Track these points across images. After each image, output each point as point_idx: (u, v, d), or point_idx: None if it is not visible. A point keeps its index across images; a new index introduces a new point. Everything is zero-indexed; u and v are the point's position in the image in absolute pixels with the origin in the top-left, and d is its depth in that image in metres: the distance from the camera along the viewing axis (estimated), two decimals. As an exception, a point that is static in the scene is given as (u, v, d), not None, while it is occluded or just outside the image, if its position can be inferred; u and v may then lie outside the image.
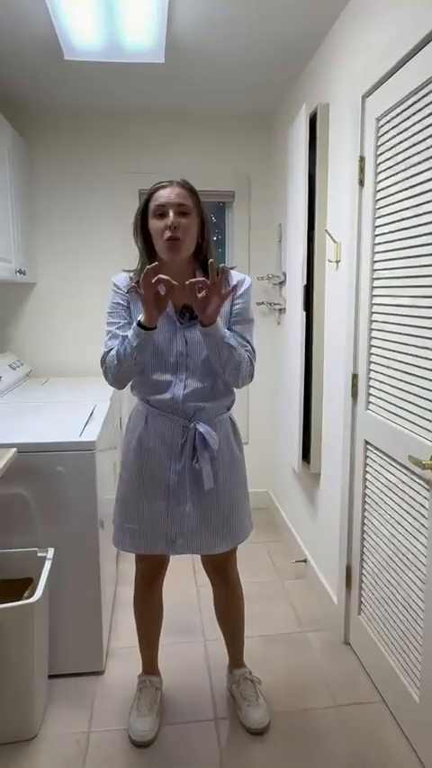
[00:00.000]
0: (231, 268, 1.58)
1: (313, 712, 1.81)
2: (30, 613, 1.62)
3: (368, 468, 1.92)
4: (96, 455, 1.86)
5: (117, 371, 1.52)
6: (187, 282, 1.37)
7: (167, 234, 1.43)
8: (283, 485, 3.17)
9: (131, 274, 1.56)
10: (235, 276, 1.58)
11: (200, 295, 1.37)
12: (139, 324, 1.44)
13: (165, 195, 1.45)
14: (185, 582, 2.64)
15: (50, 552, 1.82)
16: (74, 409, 2.29)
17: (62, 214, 3.16)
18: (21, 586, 1.83)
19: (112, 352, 1.51)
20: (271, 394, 3.43)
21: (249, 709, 1.75)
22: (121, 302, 1.57)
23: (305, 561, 2.68)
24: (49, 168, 3.11)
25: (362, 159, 1.87)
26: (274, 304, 3.19)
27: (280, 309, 3.09)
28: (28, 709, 1.69)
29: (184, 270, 1.52)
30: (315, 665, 2.06)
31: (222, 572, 1.79)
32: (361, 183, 1.88)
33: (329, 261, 2.24)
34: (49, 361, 3.26)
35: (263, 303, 3.29)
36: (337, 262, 2.14)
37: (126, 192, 3.15)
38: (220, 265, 1.37)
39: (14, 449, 1.75)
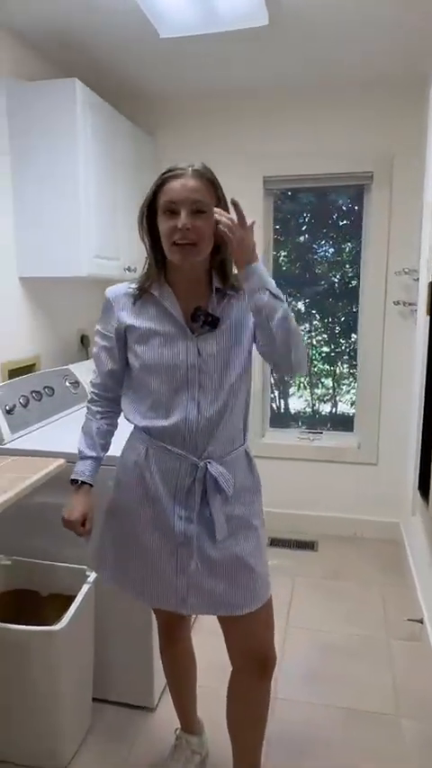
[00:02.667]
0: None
1: None
2: (52, 641, 1.50)
3: None
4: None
5: None
6: (217, 217, 1.14)
7: (178, 237, 1.17)
8: (412, 518, 2.66)
9: (131, 284, 1.31)
10: None
11: (232, 235, 1.13)
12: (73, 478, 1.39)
13: (176, 189, 1.18)
14: (275, 615, 2.34)
15: (93, 574, 1.68)
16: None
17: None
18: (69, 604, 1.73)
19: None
20: (406, 408, 2.92)
21: None
22: (108, 331, 1.33)
23: (421, 622, 2.19)
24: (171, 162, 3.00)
25: None
26: (411, 304, 2.67)
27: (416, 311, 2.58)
28: (54, 739, 1.58)
29: (196, 271, 1.27)
30: (403, 765, 1.63)
31: (266, 664, 1.36)
32: None
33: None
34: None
35: (399, 303, 2.78)
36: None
37: (251, 176, 2.90)
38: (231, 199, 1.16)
39: (63, 459, 1.65)
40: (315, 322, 3.25)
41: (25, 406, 1.97)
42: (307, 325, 3.23)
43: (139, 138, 2.75)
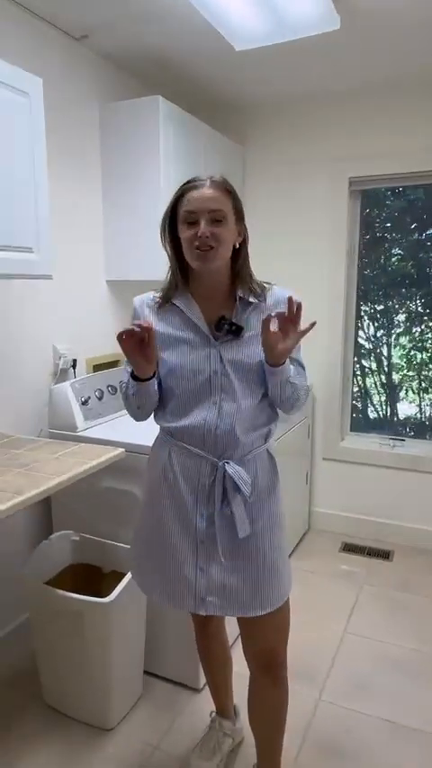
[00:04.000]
0: (271, 284, 1.36)
1: None
2: (104, 611, 1.66)
3: None
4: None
5: (128, 410, 1.40)
6: (264, 318, 1.19)
7: (198, 244, 1.23)
8: None
9: (156, 293, 1.38)
10: (279, 293, 1.34)
11: (272, 327, 1.19)
12: (132, 374, 1.29)
13: (196, 199, 1.24)
14: (335, 619, 2.33)
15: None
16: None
17: (271, 211, 3.08)
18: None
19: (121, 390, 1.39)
20: None
21: None
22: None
23: None
24: (259, 169, 3.07)
25: None
26: None
27: None
28: (103, 702, 1.75)
29: (217, 279, 1.32)
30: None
31: (272, 668, 1.41)
32: None
33: None
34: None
35: None
36: None
37: (336, 178, 2.88)
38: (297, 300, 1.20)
39: (122, 449, 1.80)
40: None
41: (100, 398, 2.17)
42: (422, 328, 3.11)
43: (226, 147, 2.84)
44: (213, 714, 1.70)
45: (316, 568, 2.75)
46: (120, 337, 1.20)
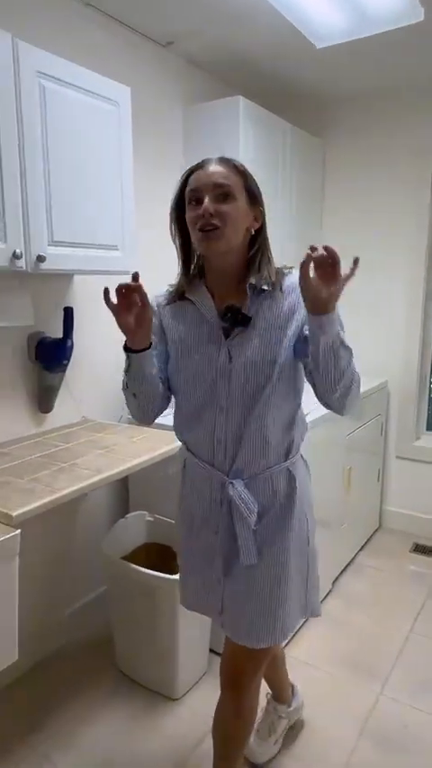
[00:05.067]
0: (290, 268, 1.21)
1: None
2: (174, 588, 1.76)
3: None
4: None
5: (130, 411, 1.30)
6: (301, 263, 0.99)
7: (202, 223, 1.09)
8: None
9: (171, 287, 1.27)
10: (294, 277, 1.14)
11: (311, 273, 0.99)
12: (125, 346, 1.17)
13: (200, 176, 1.11)
14: (401, 618, 2.32)
15: (214, 539, 1.91)
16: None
17: (350, 206, 3.06)
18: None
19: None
20: None
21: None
22: (155, 326, 1.24)
23: None
24: (339, 164, 3.05)
25: None
26: None
27: None
28: (170, 672, 1.86)
29: (228, 266, 1.18)
30: None
31: (237, 685, 1.31)
32: None
33: None
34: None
35: None
36: None
37: (419, 176, 2.82)
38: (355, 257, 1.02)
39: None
40: None
41: (176, 388, 2.28)
42: None
43: (306, 142, 2.86)
44: (269, 696, 1.76)
45: (384, 567, 2.72)
46: (107, 300, 1.07)
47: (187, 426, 1.24)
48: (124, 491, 2.36)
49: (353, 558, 2.75)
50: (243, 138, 2.36)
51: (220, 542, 1.24)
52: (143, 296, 1.09)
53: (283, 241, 2.77)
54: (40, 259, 1.55)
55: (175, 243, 1.23)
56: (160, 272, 2.47)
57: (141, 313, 1.10)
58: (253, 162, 2.43)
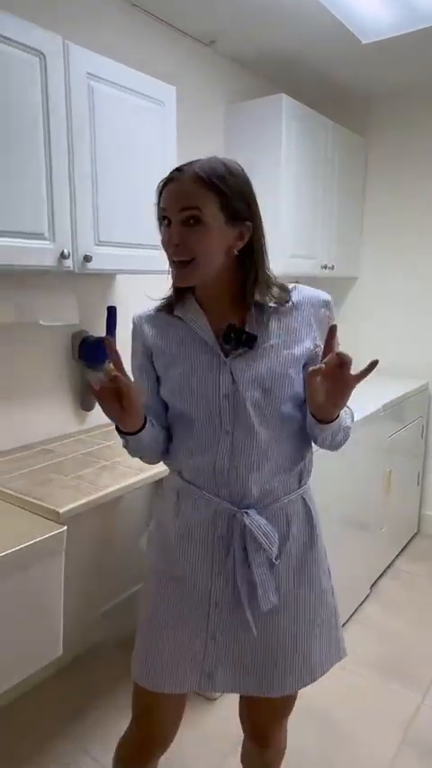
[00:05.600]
0: (296, 283, 1.10)
1: None
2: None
3: None
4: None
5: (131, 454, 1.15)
6: (308, 373, 0.94)
7: (170, 253, 1.00)
8: None
9: (157, 307, 1.13)
10: (307, 292, 1.08)
11: (318, 379, 0.94)
12: (117, 429, 1.06)
13: (168, 194, 0.98)
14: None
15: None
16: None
17: (392, 206, 3.00)
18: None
19: None
20: None
21: None
22: (140, 351, 1.13)
23: None
24: (381, 163, 3.00)
25: None
26: None
27: None
28: (208, 672, 1.86)
29: (219, 286, 1.05)
30: None
31: (265, 738, 1.23)
32: None
33: None
34: (364, 358, 3.21)
35: None
36: None
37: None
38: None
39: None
40: None
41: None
42: None
43: (346, 139, 2.81)
44: None
45: (422, 572, 2.67)
46: (94, 393, 0.97)
47: (185, 455, 1.09)
48: (160, 489, 2.37)
49: (391, 563, 2.71)
50: (285, 136, 2.34)
51: (224, 587, 1.08)
52: (123, 384, 0.97)
53: (325, 243, 2.75)
54: (87, 259, 1.57)
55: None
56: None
57: (128, 400, 0.98)
58: (295, 160, 2.42)
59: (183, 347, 1.08)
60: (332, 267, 2.82)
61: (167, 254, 1.01)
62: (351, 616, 2.29)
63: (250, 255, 1.03)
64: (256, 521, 1.04)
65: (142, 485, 1.55)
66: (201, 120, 2.36)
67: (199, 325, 1.06)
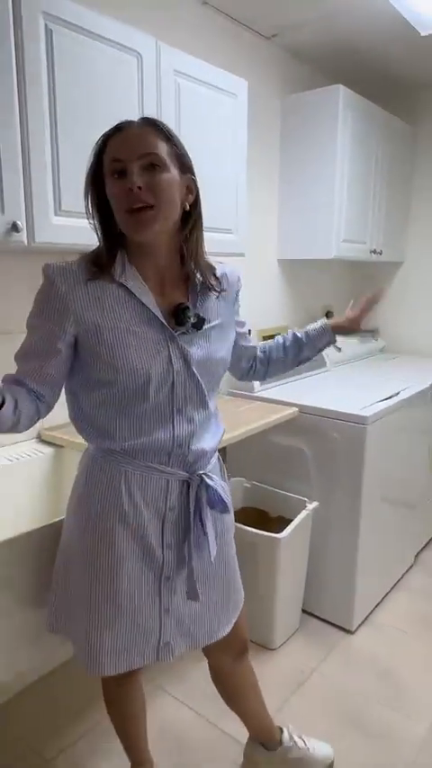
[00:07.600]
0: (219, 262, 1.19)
1: None
2: (275, 545, 1.92)
3: None
4: (368, 429, 1.95)
5: None
6: (357, 304, 1.36)
7: (130, 202, 0.94)
8: None
9: (82, 262, 1.02)
10: (230, 274, 1.18)
11: (352, 314, 1.35)
12: None
13: (121, 143, 0.94)
14: None
15: (312, 505, 2.05)
16: (387, 386, 2.35)
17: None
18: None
19: None
20: None
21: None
22: (54, 312, 1.00)
23: None
24: (430, 152, 3.08)
25: None
26: None
27: None
28: (268, 624, 2.02)
29: (166, 250, 1.04)
30: None
31: (244, 652, 1.37)
32: None
33: None
34: (409, 339, 3.32)
35: None
36: None
37: None
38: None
39: (296, 408, 2.04)
40: None
41: (272, 365, 2.41)
42: None
43: (397, 128, 2.90)
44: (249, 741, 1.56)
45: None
46: None
47: (136, 434, 1.07)
48: (222, 458, 2.53)
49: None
50: (341, 126, 2.44)
51: (176, 556, 1.15)
52: None
53: (374, 228, 2.85)
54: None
55: (91, 223, 1.03)
56: (252, 251, 2.61)
57: None
58: (349, 149, 2.52)
59: (125, 321, 1.01)
60: (380, 252, 2.92)
61: (122, 206, 0.95)
62: (396, 583, 2.42)
63: (191, 215, 1.04)
64: (214, 481, 1.14)
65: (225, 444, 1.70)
66: (257, 111, 2.47)
67: (148, 299, 1.03)
